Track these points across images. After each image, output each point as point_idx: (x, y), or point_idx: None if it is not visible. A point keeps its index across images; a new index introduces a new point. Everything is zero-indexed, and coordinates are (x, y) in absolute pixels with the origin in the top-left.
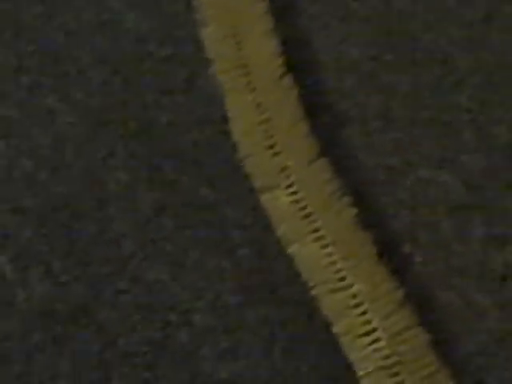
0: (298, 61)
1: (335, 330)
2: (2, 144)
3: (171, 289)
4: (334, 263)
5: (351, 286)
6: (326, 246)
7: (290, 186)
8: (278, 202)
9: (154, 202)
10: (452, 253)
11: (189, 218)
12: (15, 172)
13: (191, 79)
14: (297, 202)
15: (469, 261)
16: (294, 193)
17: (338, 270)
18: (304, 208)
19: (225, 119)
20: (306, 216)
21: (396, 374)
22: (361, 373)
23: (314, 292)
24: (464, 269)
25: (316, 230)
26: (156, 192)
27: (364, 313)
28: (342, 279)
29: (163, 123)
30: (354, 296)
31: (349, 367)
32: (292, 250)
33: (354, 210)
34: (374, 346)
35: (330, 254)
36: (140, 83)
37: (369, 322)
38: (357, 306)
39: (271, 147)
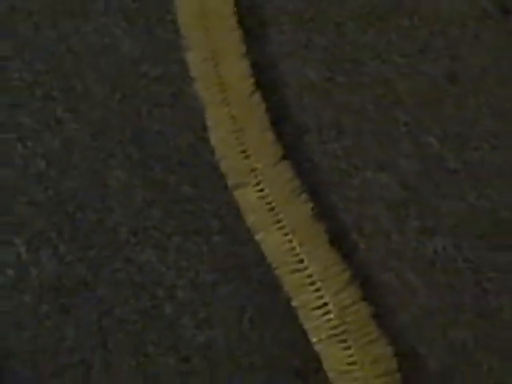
0: (266, 80)
1: (294, 303)
2: (20, 146)
3: (158, 269)
4: (293, 249)
5: (307, 267)
6: (286, 234)
7: (257, 184)
8: (247, 197)
9: (145, 197)
10: (391, 241)
11: (174, 210)
12: (30, 170)
13: (177, 94)
14: (263, 197)
15: (404, 248)
16: (261, 190)
17: (297, 254)
18: (269, 203)
19: (204, 128)
20: (271, 209)
21: (343, 341)
22: (314, 340)
23: (276, 272)
24: (400, 254)
25: (279, 221)
26: (148, 188)
27: (317, 290)
28: (300, 262)
29: (154, 131)
30: (310, 276)
31: (304, 335)
32: (259, 237)
33: (311, 205)
34: (326, 317)
35: (290, 241)
36: (135, 97)
37: (321, 297)
38: (312, 284)
39: (243, 151)
